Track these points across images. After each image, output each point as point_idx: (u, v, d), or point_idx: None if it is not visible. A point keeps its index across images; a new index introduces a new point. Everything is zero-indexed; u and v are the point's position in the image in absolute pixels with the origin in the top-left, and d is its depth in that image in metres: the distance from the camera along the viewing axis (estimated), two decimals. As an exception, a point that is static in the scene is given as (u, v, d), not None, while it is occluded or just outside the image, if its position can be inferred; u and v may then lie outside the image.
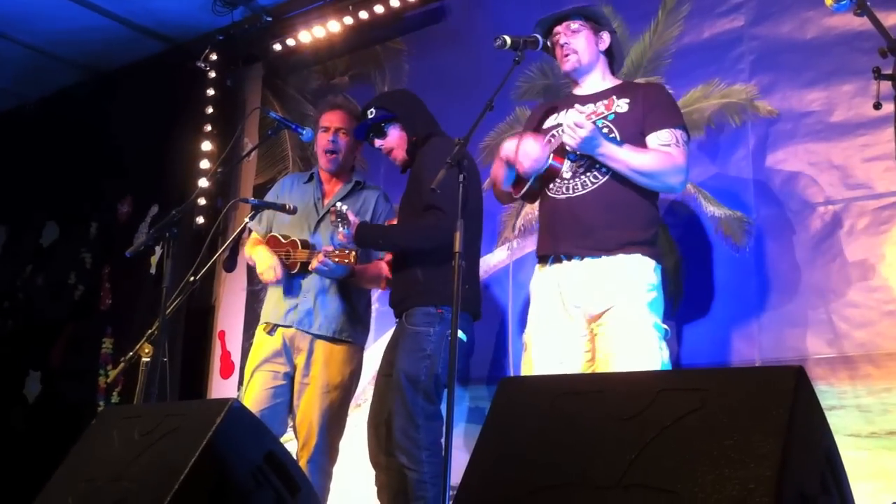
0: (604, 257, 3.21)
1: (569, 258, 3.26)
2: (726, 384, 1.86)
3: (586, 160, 3.27)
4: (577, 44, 3.40)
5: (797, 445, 1.69)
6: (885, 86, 2.70)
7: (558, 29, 3.43)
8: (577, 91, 3.49)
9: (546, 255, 3.35)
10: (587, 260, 3.23)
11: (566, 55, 3.41)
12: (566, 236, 3.27)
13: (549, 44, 3.46)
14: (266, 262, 3.98)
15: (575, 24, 3.41)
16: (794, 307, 3.68)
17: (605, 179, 3.25)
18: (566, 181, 3.31)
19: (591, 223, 3.23)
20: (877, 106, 2.68)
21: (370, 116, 3.84)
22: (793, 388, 1.75)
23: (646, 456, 1.81)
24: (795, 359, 3.55)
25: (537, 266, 3.42)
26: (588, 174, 3.27)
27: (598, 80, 3.47)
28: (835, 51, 3.81)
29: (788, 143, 3.87)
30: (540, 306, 3.34)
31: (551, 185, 3.34)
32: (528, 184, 3.36)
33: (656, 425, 1.85)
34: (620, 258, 3.20)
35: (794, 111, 3.88)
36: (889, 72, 2.72)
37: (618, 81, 3.50)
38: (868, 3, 2.77)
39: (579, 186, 3.28)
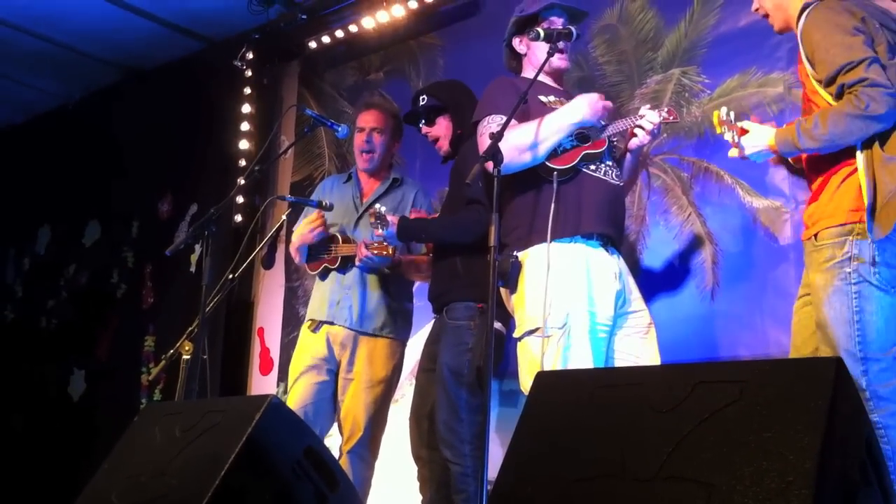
0: (618, 256, 3.24)
1: (604, 243, 3.18)
2: (765, 376, 1.84)
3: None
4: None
5: (837, 437, 1.68)
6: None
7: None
8: (548, 82, 3.45)
9: (592, 233, 3.16)
10: (614, 254, 3.21)
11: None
12: (606, 220, 3.18)
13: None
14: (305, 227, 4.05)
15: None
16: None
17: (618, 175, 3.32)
18: (605, 165, 3.25)
19: (621, 215, 3.32)
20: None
21: (421, 103, 3.89)
22: (832, 379, 1.74)
23: (684, 448, 1.80)
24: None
25: (580, 245, 3.16)
26: (614, 166, 3.30)
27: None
28: (874, 38, 3.75)
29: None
30: (592, 282, 3.11)
31: (592, 165, 3.22)
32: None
33: (694, 417, 1.84)
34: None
35: (832, 100, 3.82)
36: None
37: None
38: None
39: (613, 175, 3.27)
